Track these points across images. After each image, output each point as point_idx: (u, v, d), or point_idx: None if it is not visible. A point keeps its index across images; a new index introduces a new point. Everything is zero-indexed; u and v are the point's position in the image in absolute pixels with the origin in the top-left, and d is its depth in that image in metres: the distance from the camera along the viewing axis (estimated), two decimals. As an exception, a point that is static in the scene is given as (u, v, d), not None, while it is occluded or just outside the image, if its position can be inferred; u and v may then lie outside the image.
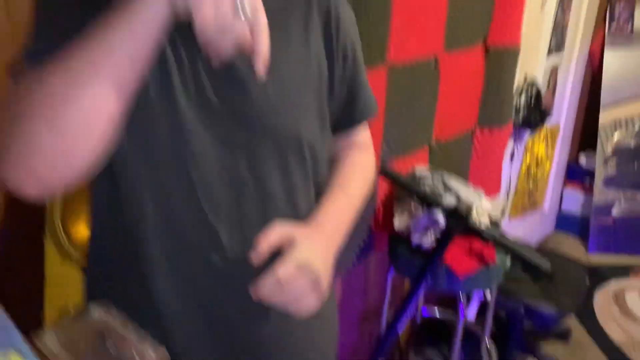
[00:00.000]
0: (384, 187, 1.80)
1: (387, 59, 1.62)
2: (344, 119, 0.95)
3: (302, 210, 0.85)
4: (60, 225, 1.34)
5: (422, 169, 1.81)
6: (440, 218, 1.54)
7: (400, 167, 1.83)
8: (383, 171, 1.47)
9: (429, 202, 1.45)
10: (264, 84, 0.77)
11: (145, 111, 0.72)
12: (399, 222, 1.64)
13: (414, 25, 1.68)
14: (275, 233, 0.79)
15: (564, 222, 3.33)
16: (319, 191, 0.89)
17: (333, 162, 0.95)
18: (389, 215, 1.73)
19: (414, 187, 1.46)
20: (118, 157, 0.74)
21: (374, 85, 1.60)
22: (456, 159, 2.10)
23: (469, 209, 1.49)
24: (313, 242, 0.82)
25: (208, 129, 0.76)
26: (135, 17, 0.62)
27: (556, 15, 2.54)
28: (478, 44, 1.99)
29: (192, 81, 0.74)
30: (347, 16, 0.91)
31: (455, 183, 1.73)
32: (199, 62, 0.74)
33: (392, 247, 1.72)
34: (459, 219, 1.41)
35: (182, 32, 0.69)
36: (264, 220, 0.80)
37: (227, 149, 0.78)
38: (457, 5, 1.81)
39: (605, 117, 3.03)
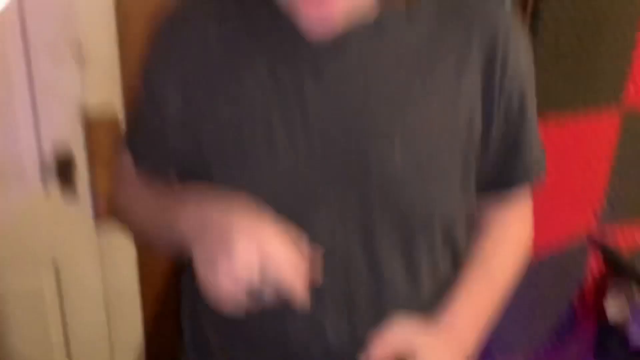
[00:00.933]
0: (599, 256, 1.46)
1: (622, 101, 1.30)
2: (500, 179, 0.79)
3: (426, 295, 0.72)
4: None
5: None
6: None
7: (627, 236, 1.47)
8: (599, 243, 1.16)
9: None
10: (392, 149, 0.65)
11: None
12: (613, 309, 1.30)
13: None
14: (393, 337, 0.66)
15: None
16: (456, 262, 0.75)
17: (478, 231, 0.79)
18: (600, 297, 1.39)
19: (636, 270, 1.12)
20: None
21: (603, 129, 1.31)
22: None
23: None
24: (439, 353, 0.67)
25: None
26: (171, 230, 0.72)
27: None
28: None
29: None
30: (519, 48, 0.73)
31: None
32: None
33: (601, 341, 1.38)
34: None
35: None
36: (378, 311, 0.68)
37: (340, 224, 0.66)
38: None
39: None
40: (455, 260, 0.76)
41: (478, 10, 0.71)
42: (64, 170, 1.48)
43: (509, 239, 0.83)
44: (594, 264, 1.46)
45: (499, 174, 0.78)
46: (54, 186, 1.49)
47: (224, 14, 0.72)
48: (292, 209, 0.65)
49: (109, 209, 1.35)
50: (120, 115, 1.43)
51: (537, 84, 0.78)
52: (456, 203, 0.72)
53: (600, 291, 1.40)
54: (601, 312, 1.33)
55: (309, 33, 0.64)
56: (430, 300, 0.72)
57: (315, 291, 0.63)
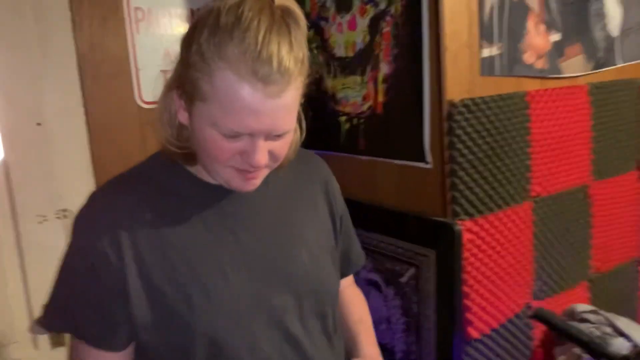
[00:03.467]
0: (541, 328, 1.67)
1: (530, 195, 1.59)
2: (345, 268, 1.14)
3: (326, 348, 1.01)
4: None
5: (582, 307, 1.66)
6: (611, 367, 1.38)
7: (557, 306, 1.70)
8: (537, 315, 1.37)
9: (592, 350, 1.32)
10: (301, 256, 0.97)
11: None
12: (562, 371, 1.49)
13: (556, 161, 1.65)
14: None
15: None
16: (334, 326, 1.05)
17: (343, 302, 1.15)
18: (548, 361, 1.59)
19: (574, 333, 1.34)
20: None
21: (521, 221, 1.58)
22: (622, 292, 1.91)
23: (644, 357, 1.32)
24: None
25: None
26: None
27: None
28: (631, 170, 1.88)
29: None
30: (337, 188, 1.13)
31: (625, 323, 1.56)
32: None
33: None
34: (633, 370, 1.26)
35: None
36: None
37: (282, 310, 0.93)
38: (601, 139, 1.75)
39: None
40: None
41: (313, 165, 1.11)
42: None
43: (363, 301, 1.22)
44: (539, 333, 1.67)
45: (345, 264, 1.15)
46: (45, 342, 1.57)
47: (152, 189, 0.91)
48: (247, 315, 0.89)
49: None
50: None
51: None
52: (335, 285, 1.06)
53: (548, 354, 1.61)
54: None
55: (238, 191, 0.90)
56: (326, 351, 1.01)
57: None
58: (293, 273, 0.95)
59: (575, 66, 1.68)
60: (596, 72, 1.73)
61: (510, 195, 1.52)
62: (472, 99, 1.42)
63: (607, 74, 1.77)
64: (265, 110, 0.79)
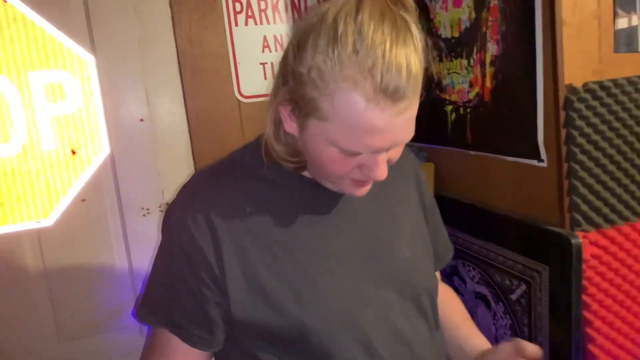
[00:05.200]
0: None
1: (687, 201, 1.25)
2: (436, 261, 1.04)
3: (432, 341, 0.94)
4: None
5: None
6: None
7: None
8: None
9: None
10: (402, 248, 0.91)
11: None
12: None
13: None
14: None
15: None
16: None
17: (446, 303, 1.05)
18: None
19: None
20: None
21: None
22: None
23: None
24: None
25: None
26: None
27: None
28: None
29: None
30: (424, 180, 1.05)
31: None
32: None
33: None
34: None
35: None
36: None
37: (388, 306, 0.87)
38: None
39: None
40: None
41: (408, 161, 1.01)
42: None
43: (455, 296, 1.13)
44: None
45: (436, 258, 1.04)
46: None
47: (249, 180, 0.85)
48: (355, 309, 0.84)
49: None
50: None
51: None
52: (435, 279, 1.00)
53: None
54: None
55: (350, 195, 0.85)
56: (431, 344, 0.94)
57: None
58: (396, 268, 0.90)
59: None
60: None
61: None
62: (600, 82, 1.14)
63: None
64: (391, 129, 0.72)
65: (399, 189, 0.98)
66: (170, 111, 1.65)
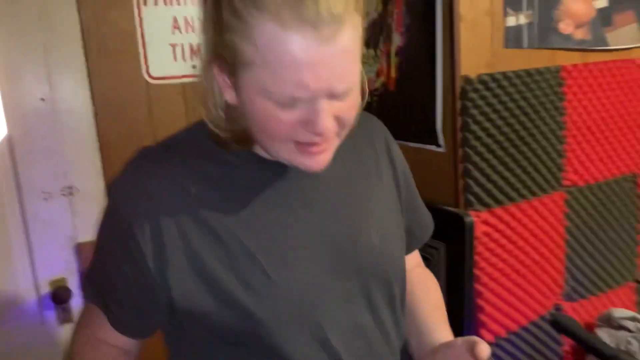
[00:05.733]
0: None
1: (563, 184, 1.40)
2: (410, 241, 0.97)
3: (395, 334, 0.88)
4: None
5: (621, 313, 1.46)
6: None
7: (593, 309, 1.51)
8: (556, 321, 1.21)
9: (622, 365, 1.15)
10: (370, 235, 0.83)
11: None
12: (589, 383, 1.33)
13: (597, 146, 1.45)
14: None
15: None
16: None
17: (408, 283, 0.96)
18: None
19: (595, 345, 1.17)
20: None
21: (550, 213, 1.40)
22: (676, 296, 1.68)
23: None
24: None
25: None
26: None
27: None
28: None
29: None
30: (398, 149, 0.96)
31: (670, 334, 1.36)
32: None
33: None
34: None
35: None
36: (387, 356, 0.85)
37: (348, 298, 0.81)
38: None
39: None
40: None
41: (372, 126, 0.93)
42: (59, 297, 1.56)
43: (433, 280, 1.04)
44: (567, 341, 1.50)
45: (412, 237, 0.97)
46: (50, 312, 1.57)
47: (198, 158, 0.78)
48: (311, 301, 0.78)
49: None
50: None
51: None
52: (404, 264, 0.91)
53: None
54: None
55: (305, 171, 0.75)
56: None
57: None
58: (362, 258, 0.82)
59: (626, 37, 1.47)
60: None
61: (537, 184, 1.35)
62: (491, 75, 1.25)
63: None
64: (321, 60, 0.64)
65: (367, 161, 0.89)
66: (73, 91, 1.58)
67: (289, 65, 0.64)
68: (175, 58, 1.68)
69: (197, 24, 1.69)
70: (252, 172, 0.78)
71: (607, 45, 1.44)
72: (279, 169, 0.78)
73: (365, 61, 1.50)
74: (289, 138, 0.71)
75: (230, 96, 0.73)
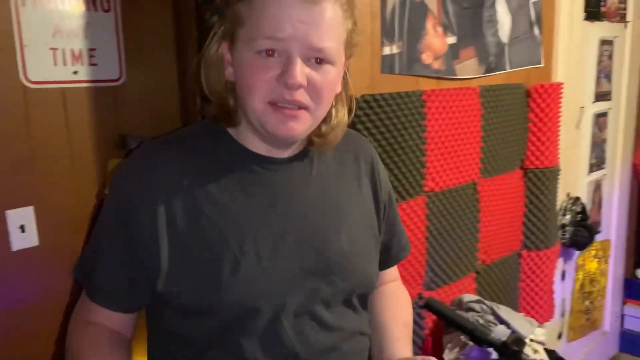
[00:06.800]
0: (431, 317, 1.75)
1: (424, 189, 1.66)
2: (387, 258, 1.07)
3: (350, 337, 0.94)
4: None
5: (469, 297, 1.76)
6: (493, 352, 1.47)
7: (446, 296, 1.79)
8: (428, 304, 1.43)
9: (476, 337, 1.40)
10: (340, 240, 0.91)
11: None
12: (450, 356, 1.57)
13: (448, 158, 1.73)
14: None
15: (628, 342, 3.10)
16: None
17: (380, 295, 1.06)
18: (438, 348, 1.67)
19: (460, 322, 1.41)
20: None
21: (415, 214, 1.64)
22: (504, 283, 2.04)
23: (521, 342, 1.42)
24: None
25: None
26: None
27: (593, 133, 2.56)
28: (516, 168, 2.02)
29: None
30: (383, 172, 1.06)
31: (506, 312, 1.67)
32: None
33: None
34: (510, 354, 1.35)
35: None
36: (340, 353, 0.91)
37: (311, 295, 0.88)
38: (490, 139, 1.86)
39: (658, 229, 2.93)
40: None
41: (359, 145, 1.04)
42: None
43: (405, 298, 1.12)
44: (429, 322, 1.75)
45: (388, 254, 1.07)
46: None
47: (193, 152, 0.88)
48: (276, 292, 0.84)
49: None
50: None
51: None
52: (374, 275, 1.00)
53: (437, 342, 1.69)
54: (440, 361, 1.61)
55: (276, 136, 0.85)
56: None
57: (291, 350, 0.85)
58: (329, 258, 0.89)
59: (468, 69, 1.78)
60: (487, 76, 1.84)
61: (406, 189, 1.58)
62: (373, 95, 1.45)
63: (497, 78, 1.88)
64: (299, 15, 0.78)
65: (350, 174, 0.99)
66: (-61, 92, 1.45)
67: (272, 15, 0.78)
68: (55, 62, 1.63)
69: (79, 30, 1.66)
70: (240, 165, 0.88)
71: (455, 75, 1.73)
72: (264, 164, 0.89)
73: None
74: (266, 95, 0.81)
75: (228, 72, 0.87)
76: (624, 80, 2.76)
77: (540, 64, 2.05)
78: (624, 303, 3.11)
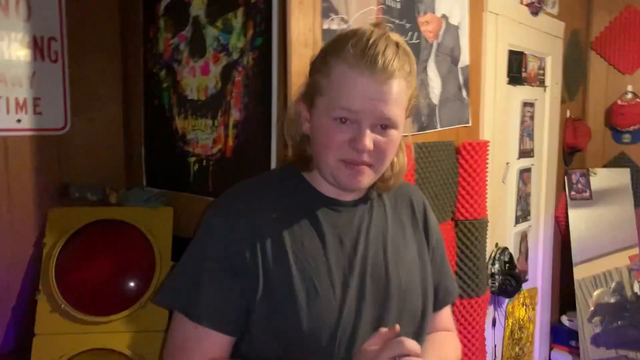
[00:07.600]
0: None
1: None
2: (435, 303, 1.16)
3: None
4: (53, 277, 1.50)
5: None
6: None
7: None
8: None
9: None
10: (399, 276, 1.04)
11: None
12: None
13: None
14: None
15: (557, 386, 3.24)
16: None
17: (428, 339, 1.14)
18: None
19: None
20: None
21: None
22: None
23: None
24: None
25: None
26: None
27: (518, 187, 2.75)
28: (448, 219, 2.14)
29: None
30: (433, 219, 1.21)
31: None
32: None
33: None
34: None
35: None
36: None
37: (375, 324, 0.99)
38: (423, 192, 1.95)
39: (579, 275, 3.12)
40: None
41: (412, 193, 1.19)
42: None
43: (456, 349, 1.20)
44: None
45: (436, 297, 1.16)
46: None
47: (278, 194, 1.04)
48: (348, 321, 0.96)
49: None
50: None
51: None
52: (427, 312, 1.09)
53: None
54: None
55: (346, 187, 1.01)
56: None
57: None
58: (390, 292, 1.02)
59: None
60: (420, 134, 1.97)
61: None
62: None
63: (429, 135, 2.02)
64: (371, 93, 0.92)
65: (405, 220, 1.14)
66: None
67: (349, 89, 0.93)
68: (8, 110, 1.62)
69: (24, 79, 1.67)
70: (315, 207, 1.04)
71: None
72: (334, 206, 1.05)
73: (202, 129, 1.68)
74: (339, 154, 0.97)
75: (305, 127, 1.04)
76: (544, 139, 3.00)
77: (468, 123, 2.21)
78: (551, 348, 3.27)
